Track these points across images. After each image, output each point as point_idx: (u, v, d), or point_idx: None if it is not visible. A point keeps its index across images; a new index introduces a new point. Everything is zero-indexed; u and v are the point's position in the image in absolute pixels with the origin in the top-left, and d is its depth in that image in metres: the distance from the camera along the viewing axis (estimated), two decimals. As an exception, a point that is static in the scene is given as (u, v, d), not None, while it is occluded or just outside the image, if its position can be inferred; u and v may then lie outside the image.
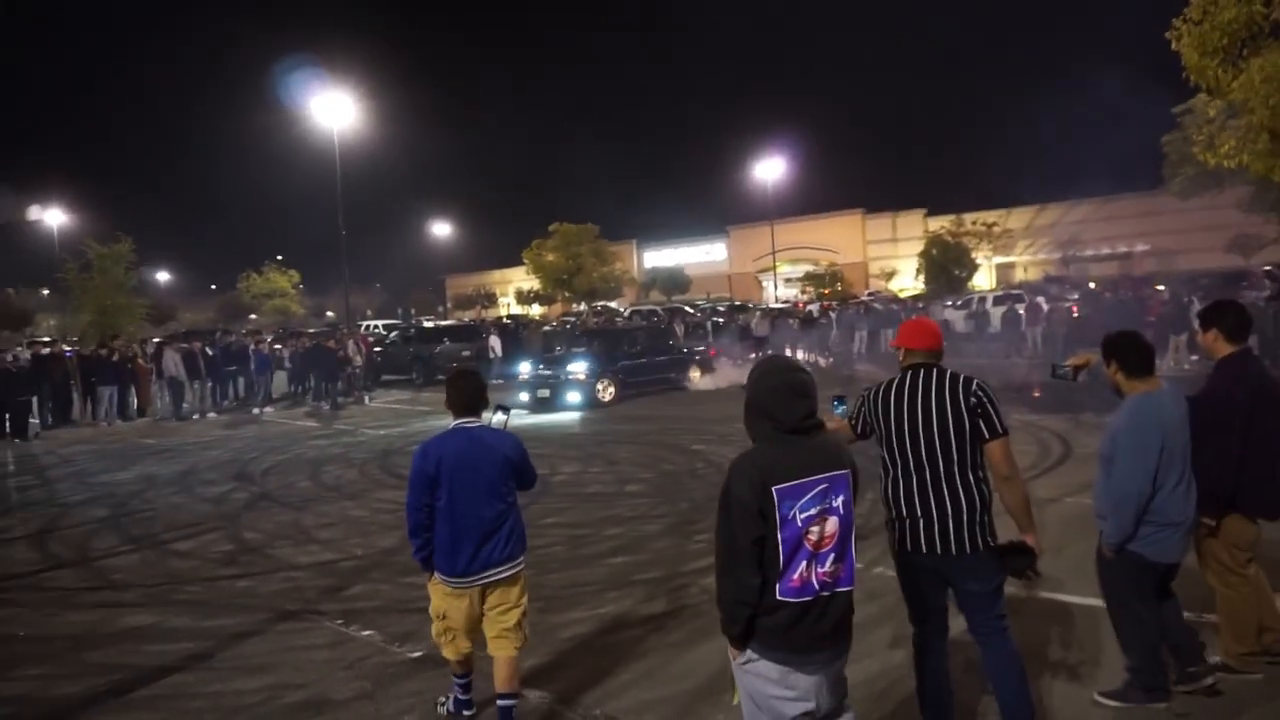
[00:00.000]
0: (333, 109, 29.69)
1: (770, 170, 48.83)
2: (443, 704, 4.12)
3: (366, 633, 5.25)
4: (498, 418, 3.95)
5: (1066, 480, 7.99)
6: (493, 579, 3.72)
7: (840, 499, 2.53)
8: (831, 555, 2.51)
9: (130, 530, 8.31)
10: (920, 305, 30.05)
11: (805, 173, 56.67)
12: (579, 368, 16.75)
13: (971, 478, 3.18)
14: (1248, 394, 3.67)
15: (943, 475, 3.17)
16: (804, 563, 2.46)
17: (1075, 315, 21.52)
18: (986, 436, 3.17)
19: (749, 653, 2.52)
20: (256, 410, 18.71)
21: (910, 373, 3.31)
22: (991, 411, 3.17)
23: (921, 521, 3.19)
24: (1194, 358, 17.08)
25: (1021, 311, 23.08)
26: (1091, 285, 31.52)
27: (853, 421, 3.46)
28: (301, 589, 6.21)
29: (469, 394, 3.79)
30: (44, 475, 12.00)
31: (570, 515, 7.96)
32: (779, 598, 2.46)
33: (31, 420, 16.94)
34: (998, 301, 26.58)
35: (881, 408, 3.30)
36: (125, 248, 25.59)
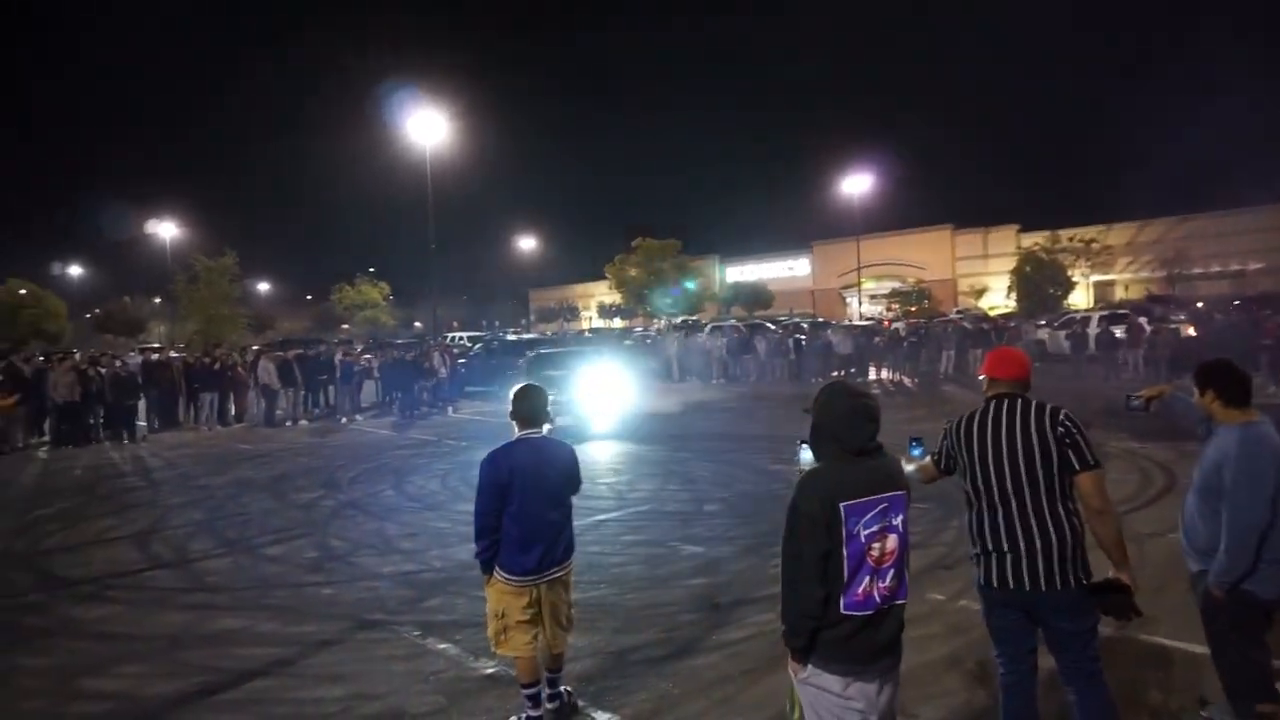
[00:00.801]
0: (425, 127, 30.66)
1: (856, 184, 48.03)
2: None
3: (443, 645, 5.32)
4: (544, 429, 4.23)
5: (1169, 514, 7.48)
6: (553, 576, 4.03)
7: (899, 518, 2.66)
8: (891, 571, 2.63)
9: (225, 533, 8.66)
10: (1011, 324, 28.99)
11: (892, 187, 55.61)
12: None
13: (1061, 510, 3.07)
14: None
15: (1030, 508, 3.08)
16: (867, 578, 2.58)
17: (1186, 336, 20.40)
18: (1077, 468, 3.07)
19: (811, 667, 2.62)
20: (344, 419, 19.32)
21: (995, 403, 3.25)
22: (1081, 442, 3.08)
23: (1009, 557, 3.09)
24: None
25: (1119, 334, 21.98)
26: (1199, 305, 29.85)
27: (935, 457, 3.41)
28: (382, 599, 6.35)
29: (534, 407, 4.11)
30: (149, 477, 12.64)
31: (647, 533, 7.92)
32: (843, 611, 2.57)
33: (139, 423, 17.93)
34: (1103, 321, 25.33)
35: (964, 439, 3.24)
36: (230, 261, 26.94)
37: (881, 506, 2.62)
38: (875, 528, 2.60)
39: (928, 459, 3.48)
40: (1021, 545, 3.08)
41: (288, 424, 18.96)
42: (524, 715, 4.10)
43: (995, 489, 3.14)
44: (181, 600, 6.53)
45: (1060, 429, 3.10)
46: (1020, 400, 3.22)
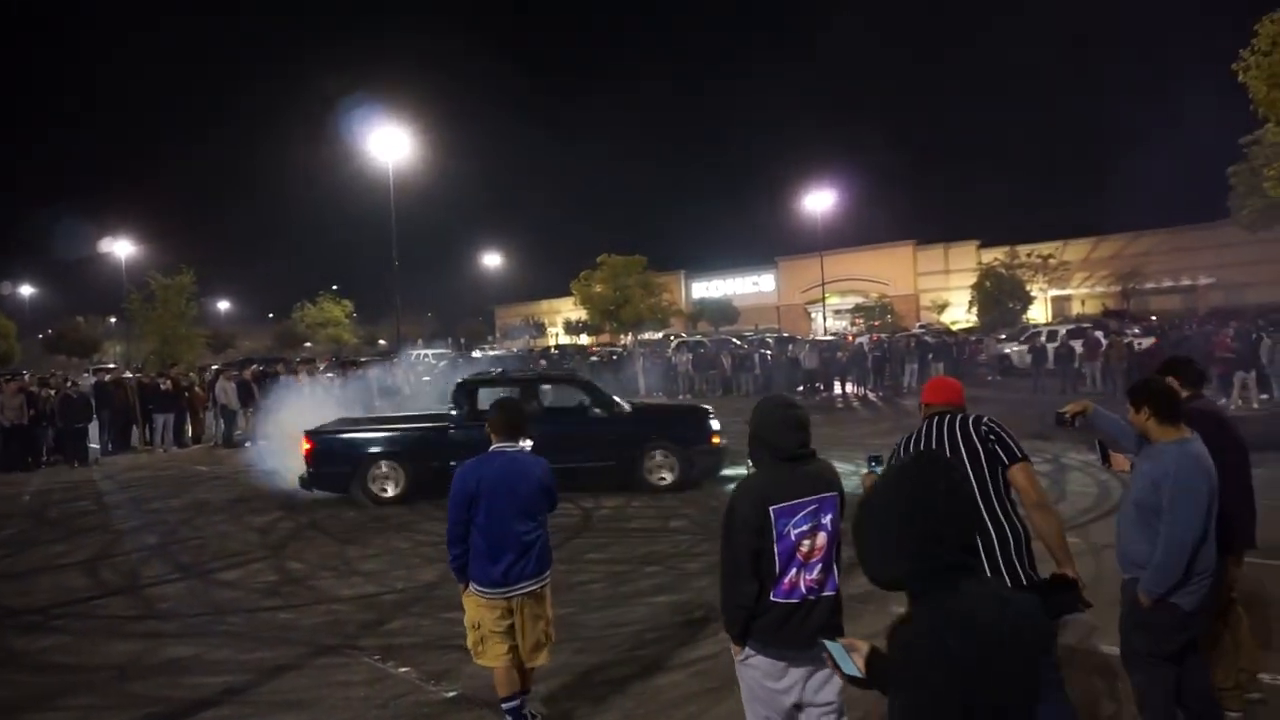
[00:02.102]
0: (388, 143, 30.44)
1: (820, 201, 48.57)
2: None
3: (404, 669, 5.20)
4: (524, 444, 4.23)
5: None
6: (524, 591, 3.99)
7: (829, 517, 2.90)
8: (819, 565, 2.89)
9: (179, 558, 8.43)
10: (973, 339, 29.42)
11: (855, 204, 56.17)
12: None
13: (1000, 509, 3.18)
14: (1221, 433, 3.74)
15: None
16: (794, 570, 2.85)
17: (1140, 349, 20.85)
18: (1007, 462, 3.21)
19: (747, 650, 2.91)
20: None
21: (929, 420, 3.47)
22: (1006, 438, 3.25)
23: None
24: (1264, 396, 16.40)
25: (1078, 347, 22.42)
26: (1154, 318, 30.55)
27: None
28: (342, 623, 6.20)
29: (511, 420, 4.14)
30: (100, 501, 12.28)
31: (610, 551, 7.86)
32: (772, 599, 2.84)
33: (92, 446, 17.45)
34: (1061, 336, 25.76)
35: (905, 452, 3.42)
36: (187, 279, 26.45)
37: (811, 508, 2.86)
38: (805, 527, 2.84)
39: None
40: None
41: (247, 444, 18.58)
42: None
43: None
44: (131, 628, 6.32)
45: (984, 428, 3.29)
46: (948, 415, 3.42)
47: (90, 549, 9.00)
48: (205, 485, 13.14)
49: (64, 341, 54.93)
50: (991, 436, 3.25)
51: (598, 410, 10.82)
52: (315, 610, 6.54)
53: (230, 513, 10.72)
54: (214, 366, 25.66)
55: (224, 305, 74.64)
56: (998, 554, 3.12)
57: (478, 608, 4.04)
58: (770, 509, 2.80)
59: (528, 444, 4.24)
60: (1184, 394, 3.87)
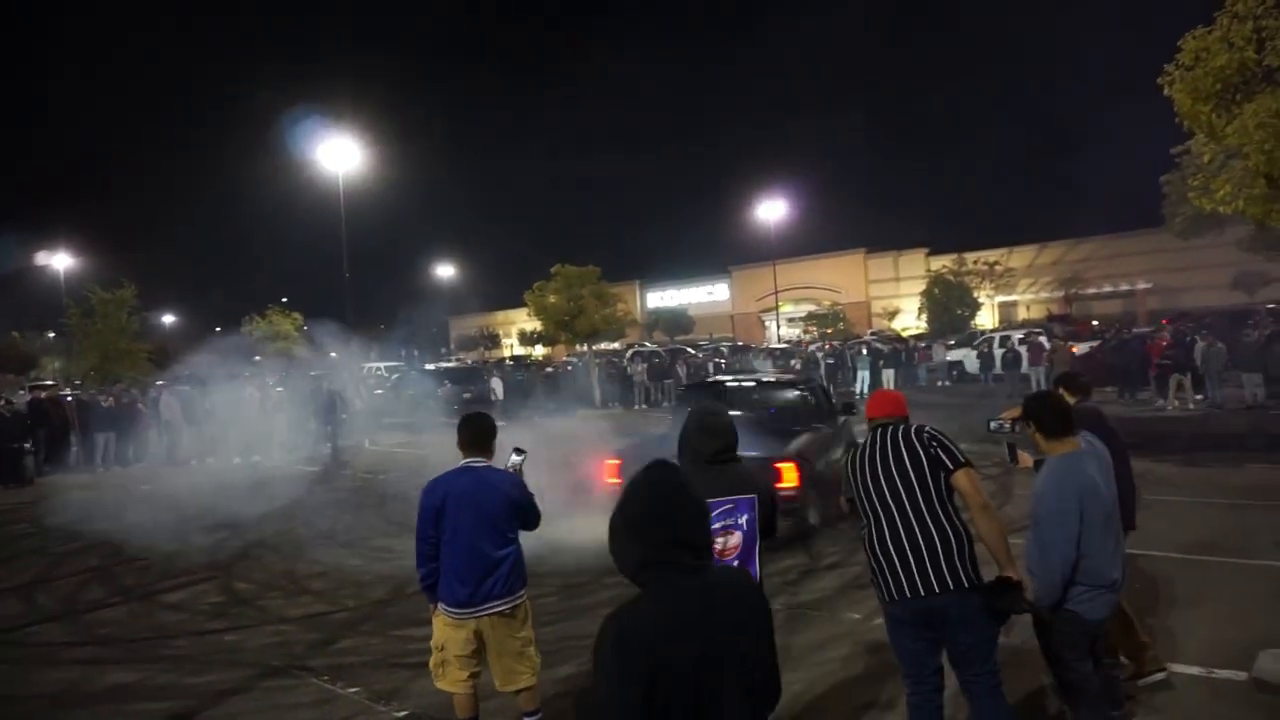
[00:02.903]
0: (337, 154, 30.05)
1: (772, 211, 49.07)
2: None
3: (353, 690, 5.12)
4: (514, 459, 4.11)
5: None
6: (492, 611, 3.87)
7: (744, 518, 3.08)
8: (735, 562, 3.03)
9: (121, 581, 8.18)
10: (923, 344, 29.96)
11: (807, 213, 56.91)
12: None
13: (942, 513, 3.26)
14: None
15: (912, 515, 3.27)
16: None
17: (1083, 353, 21.44)
18: (950, 467, 3.29)
19: None
20: (257, 457, 18.59)
21: (874, 431, 3.57)
22: (948, 444, 3.35)
23: (898, 562, 3.24)
24: (1199, 397, 16.97)
25: (1024, 351, 22.98)
26: (1095, 323, 31.42)
27: (848, 503, 3.63)
28: (290, 643, 6.08)
29: (477, 434, 4.01)
30: (38, 523, 11.87)
31: (567, 562, 7.81)
32: None
33: (27, 466, 16.85)
34: (1006, 341, 26.34)
35: (854, 469, 3.51)
36: (128, 293, 25.72)
37: (726, 507, 3.05)
38: (719, 525, 3.00)
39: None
40: (910, 550, 3.22)
41: (192, 462, 18.14)
42: None
43: (880, 504, 3.34)
44: (68, 655, 6.12)
45: (926, 436, 3.39)
46: (892, 425, 3.52)
47: (25, 573, 8.69)
48: (150, 505, 12.77)
49: (-1, 358, 53.03)
50: (934, 445, 3.34)
51: (824, 410, 10.05)
52: (263, 631, 6.41)
53: (175, 533, 10.42)
54: (159, 382, 25.01)
55: (169, 319, 72.72)
56: (943, 555, 3.20)
57: (444, 628, 3.95)
58: None
59: (517, 459, 4.13)
60: (1071, 401, 4.18)
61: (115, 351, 25.56)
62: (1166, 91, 6.35)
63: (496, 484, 3.92)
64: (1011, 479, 10.44)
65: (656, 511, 1.87)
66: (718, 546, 3.00)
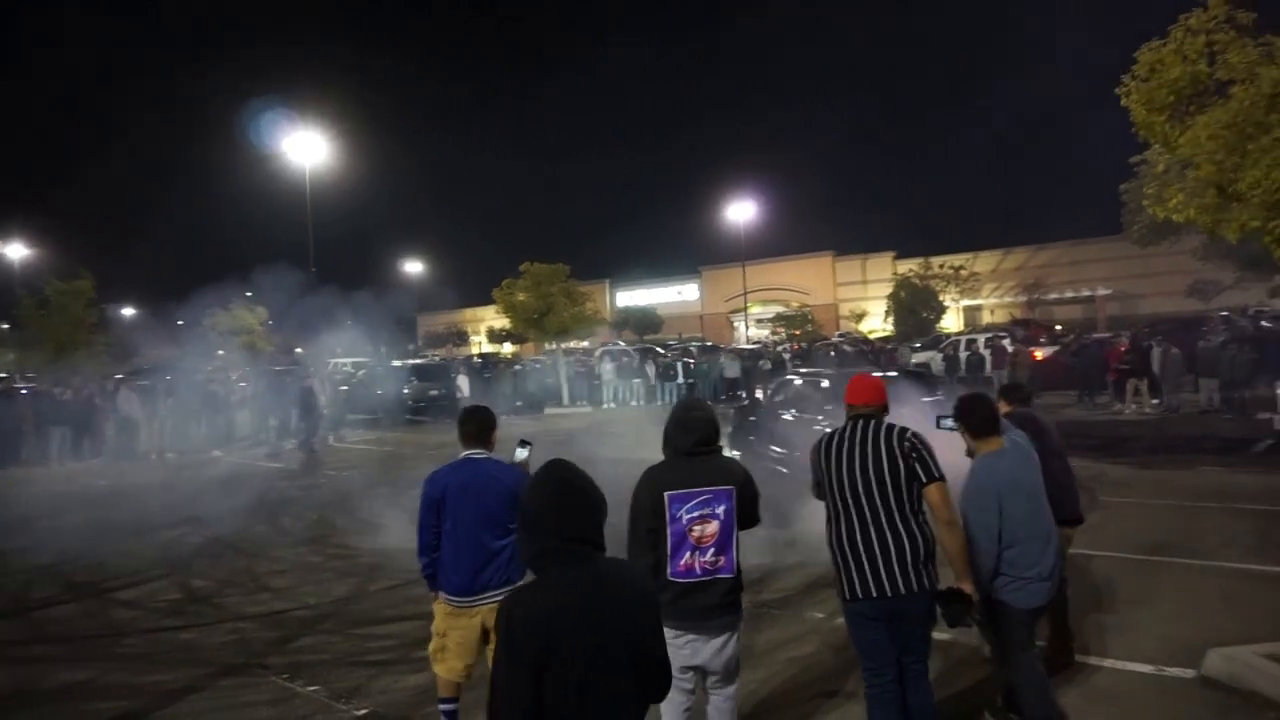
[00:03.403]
0: (304, 148, 29.66)
1: (742, 212, 49.36)
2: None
3: (312, 688, 5.06)
4: (520, 453, 4.15)
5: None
6: (492, 602, 3.88)
7: (722, 507, 3.24)
8: (712, 549, 3.22)
9: (73, 578, 8.01)
10: (889, 347, 30.27)
11: (776, 214, 57.44)
12: None
13: (913, 520, 3.33)
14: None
15: (884, 518, 3.33)
16: (689, 553, 3.20)
17: (1043, 358, 21.78)
18: (924, 480, 3.34)
19: None
20: (218, 452, 18.33)
21: (852, 423, 3.52)
22: (926, 456, 3.36)
23: (865, 562, 3.32)
24: (1155, 401, 17.35)
25: (988, 354, 23.31)
26: (1059, 328, 31.94)
27: (813, 488, 3.64)
28: (248, 641, 6.00)
29: (477, 427, 4.04)
30: (-12, 519, 11.58)
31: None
32: (669, 578, 3.18)
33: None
34: (971, 345, 26.65)
35: (825, 458, 3.50)
36: (86, 284, 25.11)
37: (704, 497, 3.22)
38: (696, 514, 3.20)
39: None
40: (878, 552, 3.31)
41: (152, 457, 17.82)
42: None
43: (850, 500, 3.38)
44: (17, 654, 5.98)
45: (907, 444, 3.37)
46: (875, 421, 3.49)
47: (-26, 570, 8.47)
48: (105, 501, 12.53)
49: (-50, 350, 51.56)
50: (914, 454, 3.36)
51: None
52: (220, 629, 6.31)
53: (131, 529, 10.24)
54: (117, 376, 24.48)
55: (129, 312, 71.30)
56: (908, 560, 3.30)
57: (445, 616, 4.02)
58: (665, 494, 3.20)
59: (524, 453, 4.17)
60: (1008, 408, 4.56)
61: (72, 344, 24.93)
62: (1124, 102, 6.50)
63: (497, 476, 3.97)
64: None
65: (550, 507, 2.02)
66: (695, 533, 3.19)
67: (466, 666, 4.03)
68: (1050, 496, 3.84)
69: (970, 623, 3.41)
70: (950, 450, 3.78)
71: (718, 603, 3.21)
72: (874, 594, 3.30)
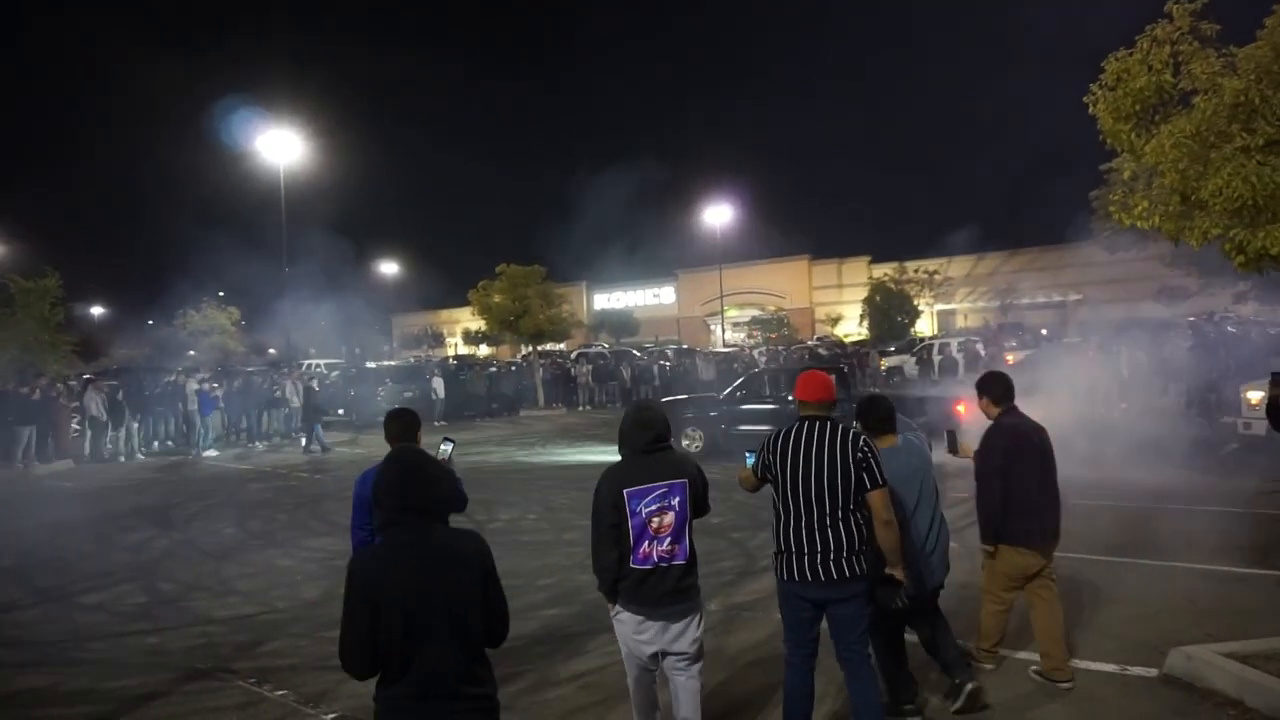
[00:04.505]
0: (278, 146, 29.35)
1: (718, 215, 49.54)
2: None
3: (280, 693, 5.01)
4: (444, 448, 4.31)
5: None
6: None
7: (677, 499, 3.47)
8: (669, 539, 3.45)
9: (34, 581, 7.86)
10: (863, 351, 30.51)
11: (753, 218, 57.27)
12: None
13: (851, 519, 3.58)
14: (1007, 446, 4.50)
15: (828, 517, 3.56)
16: (647, 542, 3.43)
17: (1010, 363, 22.06)
18: (869, 487, 3.57)
19: (618, 607, 3.55)
20: (198, 453, 18.10)
21: (805, 423, 3.70)
22: (874, 465, 3.58)
23: (807, 555, 3.58)
24: (1123, 405, 17.61)
25: (960, 358, 23.61)
26: (1044, 331, 32.34)
27: (756, 468, 3.84)
28: (215, 645, 5.93)
29: (406, 426, 4.23)
30: (-51, 521, 11.34)
31: (503, 564, 7.77)
32: (631, 566, 3.44)
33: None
34: (944, 349, 26.95)
35: (778, 455, 3.68)
36: (51, 283, 24.62)
37: (660, 491, 3.45)
38: (654, 507, 3.44)
39: (752, 471, 3.90)
40: (818, 545, 3.57)
41: (120, 459, 17.55)
42: None
43: (802, 500, 3.60)
44: (-24, 659, 5.85)
45: (859, 454, 3.58)
46: (827, 422, 3.68)
47: (-66, 574, 8.29)
48: (70, 503, 12.32)
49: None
50: (864, 464, 3.57)
51: None
52: (187, 633, 6.23)
53: (96, 532, 10.08)
54: (85, 376, 24.05)
55: (98, 311, 70.13)
56: (843, 553, 3.56)
57: None
58: (624, 491, 3.42)
59: (447, 448, 4.35)
60: (996, 409, 4.68)
61: (37, 343, 24.47)
62: (1091, 110, 6.60)
63: None
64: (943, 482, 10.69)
65: (393, 485, 2.49)
66: (654, 525, 3.42)
67: None
68: (1024, 504, 4.42)
69: (898, 604, 3.74)
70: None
71: (674, 588, 3.46)
72: (809, 578, 3.57)
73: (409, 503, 2.47)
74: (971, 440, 4.87)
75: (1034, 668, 4.71)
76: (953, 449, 4.95)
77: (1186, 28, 6.24)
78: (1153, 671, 4.66)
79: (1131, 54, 6.42)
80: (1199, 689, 4.39)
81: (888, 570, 3.67)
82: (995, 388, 4.70)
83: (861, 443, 3.60)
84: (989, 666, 4.77)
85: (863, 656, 3.70)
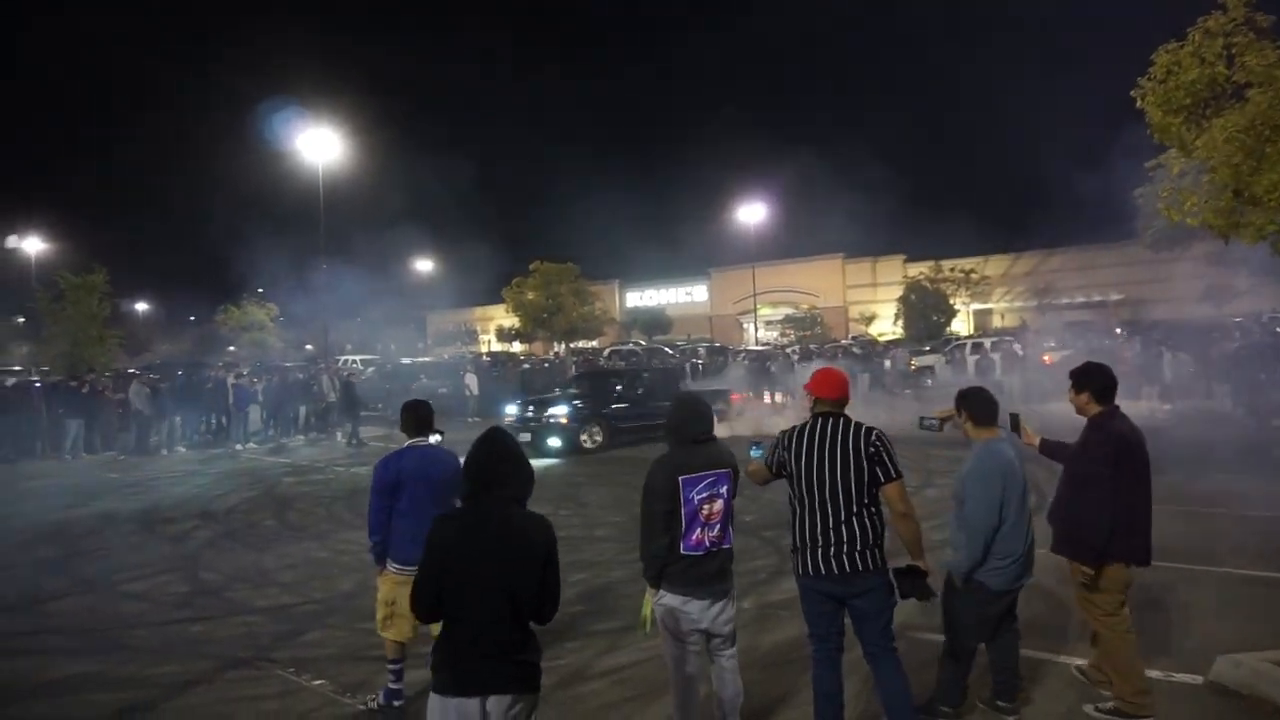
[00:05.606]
0: (317, 145, 29.77)
1: (752, 214, 49.31)
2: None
3: (318, 682, 5.08)
4: (433, 438, 4.71)
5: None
6: None
7: (725, 488, 3.68)
8: (718, 525, 3.65)
9: (81, 571, 8.05)
10: (886, 349, 30.19)
11: (786, 216, 56.90)
12: (562, 411, 15.75)
13: (867, 514, 3.64)
14: (1115, 451, 4.00)
15: (843, 512, 3.62)
16: (699, 529, 3.60)
17: (1048, 363, 21.71)
18: (883, 480, 3.63)
19: (662, 590, 3.67)
20: (238, 445, 18.43)
21: (820, 420, 3.76)
22: (887, 459, 3.63)
23: (821, 548, 3.64)
24: (1166, 407, 17.25)
25: (997, 358, 23.26)
26: (1119, 331, 31.63)
27: (769, 463, 3.87)
28: (255, 635, 6.03)
29: (422, 418, 4.69)
30: None
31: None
32: (682, 552, 3.59)
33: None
34: (978, 349, 26.58)
35: (794, 452, 3.73)
36: (99, 279, 25.26)
37: (710, 479, 3.63)
38: (705, 494, 3.60)
39: (762, 462, 3.93)
40: (833, 541, 3.62)
41: (163, 451, 17.92)
42: (387, 687, 4.62)
43: (817, 495, 3.66)
44: (23, 645, 6.00)
45: (871, 449, 3.63)
46: (840, 419, 3.73)
47: (-15, 561, 8.52)
48: (115, 494, 12.61)
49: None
50: (877, 459, 3.62)
51: None
52: (228, 622, 6.34)
53: (141, 522, 10.31)
54: (130, 370, 24.63)
55: (142, 307, 71.68)
56: (858, 547, 3.59)
57: (394, 585, 4.49)
58: (679, 479, 3.57)
59: (437, 438, 4.70)
60: (1097, 407, 4.15)
61: (86, 338, 25.11)
62: (1140, 104, 6.45)
63: (444, 459, 4.59)
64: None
65: (479, 462, 2.80)
66: (704, 512, 3.59)
67: (413, 627, 4.42)
68: (1133, 529, 4.03)
69: (926, 597, 3.71)
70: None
71: (718, 570, 3.66)
72: (824, 573, 3.62)
73: (490, 480, 2.77)
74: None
75: (1076, 664, 4.64)
76: (1016, 429, 4.47)
77: (1241, 19, 6.08)
78: (1198, 679, 4.55)
79: (1183, 46, 6.27)
80: (1246, 697, 4.27)
81: (911, 562, 3.69)
82: (1097, 381, 4.16)
83: (874, 437, 3.65)
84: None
85: (888, 651, 3.70)
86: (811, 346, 33.56)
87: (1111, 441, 4.02)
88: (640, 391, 17.14)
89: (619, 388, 17.30)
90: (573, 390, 17.56)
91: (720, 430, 5.02)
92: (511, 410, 16.83)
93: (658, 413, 16.69)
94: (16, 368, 30.01)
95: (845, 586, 3.62)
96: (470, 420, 21.02)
